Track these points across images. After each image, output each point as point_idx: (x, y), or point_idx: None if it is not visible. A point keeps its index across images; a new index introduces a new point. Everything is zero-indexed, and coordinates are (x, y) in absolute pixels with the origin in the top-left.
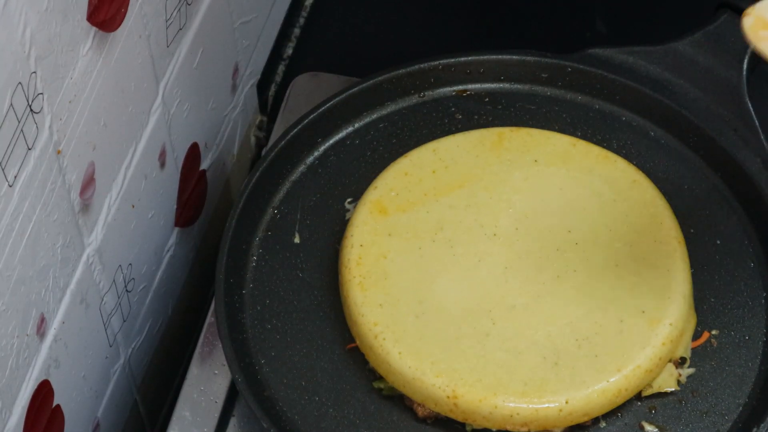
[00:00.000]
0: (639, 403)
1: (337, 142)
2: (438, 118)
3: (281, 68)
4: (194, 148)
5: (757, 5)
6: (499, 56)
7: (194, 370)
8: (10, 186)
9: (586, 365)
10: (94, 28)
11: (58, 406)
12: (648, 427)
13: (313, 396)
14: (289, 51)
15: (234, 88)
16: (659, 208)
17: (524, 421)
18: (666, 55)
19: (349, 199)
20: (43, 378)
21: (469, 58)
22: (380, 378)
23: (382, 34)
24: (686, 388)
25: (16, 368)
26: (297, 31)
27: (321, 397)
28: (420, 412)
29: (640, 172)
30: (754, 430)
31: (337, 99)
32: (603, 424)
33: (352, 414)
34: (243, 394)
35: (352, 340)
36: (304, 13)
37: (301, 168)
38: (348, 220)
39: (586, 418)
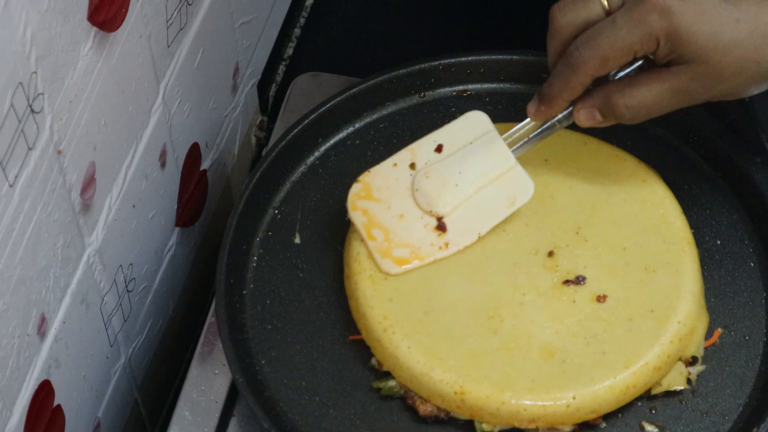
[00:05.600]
0: (639, 403)
1: (337, 143)
2: (438, 118)
3: (282, 68)
4: (195, 148)
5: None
6: (500, 56)
7: (194, 370)
8: (11, 186)
9: (594, 362)
10: (94, 28)
11: (58, 406)
12: (648, 427)
13: (314, 396)
14: (290, 51)
15: (234, 88)
16: (669, 208)
17: (531, 417)
18: None
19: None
20: (44, 378)
21: (470, 58)
22: (380, 378)
23: (382, 34)
24: (687, 388)
25: (16, 368)
26: (297, 31)
27: (322, 398)
28: (422, 410)
29: (651, 170)
30: (754, 430)
31: (338, 99)
32: (603, 425)
33: (352, 414)
34: (243, 394)
35: (353, 342)
36: (304, 13)
37: (302, 168)
38: (349, 219)
39: (594, 415)
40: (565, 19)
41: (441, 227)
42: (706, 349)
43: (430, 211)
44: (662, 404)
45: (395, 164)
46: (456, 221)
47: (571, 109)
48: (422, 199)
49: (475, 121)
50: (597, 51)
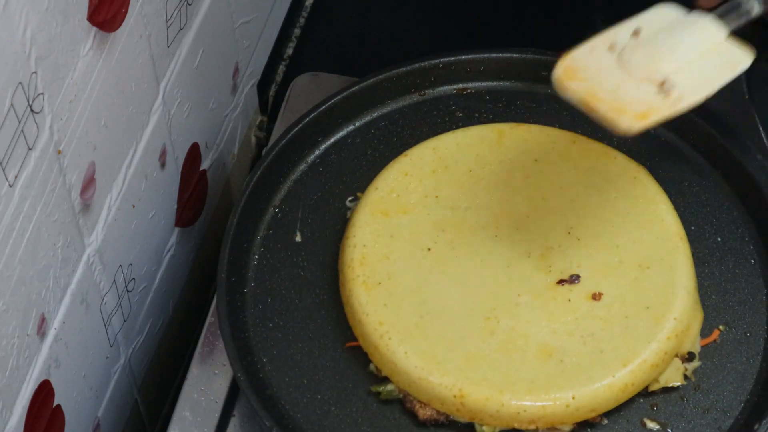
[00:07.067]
0: (641, 400)
1: (338, 141)
2: (439, 117)
3: (281, 68)
4: (195, 148)
5: (569, 55)
6: (500, 54)
7: (195, 370)
8: (11, 186)
9: (592, 361)
10: (94, 28)
11: (58, 406)
12: (650, 424)
13: (315, 394)
14: (290, 51)
15: (234, 88)
16: (660, 204)
17: (531, 418)
18: None
19: (350, 198)
20: (44, 378)
21: (470, 56)
22: (379, 382)
23: (382, 34)
24: (688, 384)
25: (16, 368)
26: (297, 31)
27: (323, 396)
28: (421, 414)
29: (641, 167)
30: (756, 426)
31: (338, 97)
32: (605, 422)
33: (354, 412)
34: (245, 392)
35: (354, 339)
36: (304, 13)
37: (303, 166)
38: (349, 218)
39: (593, 414)
40: None
41: (665, 88)
42: (706, 346)
43: (648, 78)
44: (664, 401)
45: (592, 50)
46: (679, 81)
47: None
48: (638, 65)
49: (668, 9)
50: None
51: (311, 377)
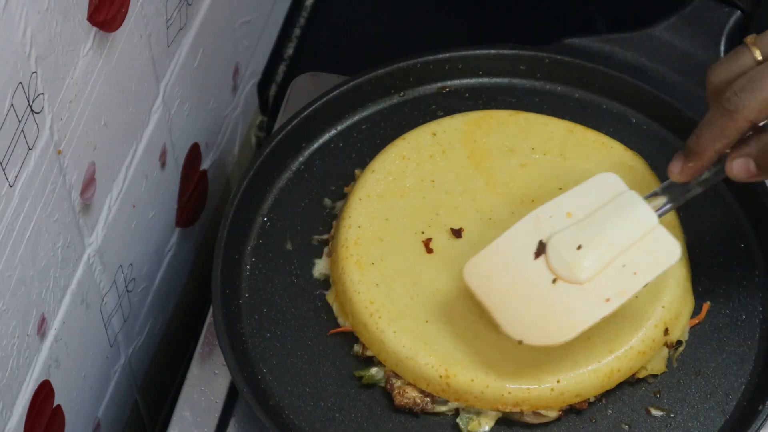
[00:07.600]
0: (644, 388)
1: (321, 146)
2: (420, 116)
3: (282, 68)
4: (195, 148)
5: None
6: (477, 51)
7: (195, 370)
8: (11, 186)
9: (579, 347)
10: (94, 28)
11: (58, 406)
12: (654, 411)
13: (319, 402)
14: (290, 51)
15: (234, 88)
16: None
17: (516, 401)
18: (642, 41)
19: (338, 202)
20: (44, 378)
21: (447, 54)
22: (362, 366)
23: (382, 34)
24: (688, 370)
25: (16, 368)
26: (297, 31)
27: (326, 402)
28: (398, 401)
29: (637, 156)
30: (760, 407)
31: (318, 103)
32: (609, 411)
33: (359, 417)
34: (250, 404)
35: (351, 346)
36: (304, 13)
37: (288, 174)
38: (345, 200)
39: (578, 399)
40: (718, 78)
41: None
42: (704, 330)
43: (568, 279)
44: (666, 387)
45: (520, 229)
46: (597, 287)
47: (714, 169)
48: (558, 265)
49: (606, 183)
50: (759, 94)
51: (313, 384)
